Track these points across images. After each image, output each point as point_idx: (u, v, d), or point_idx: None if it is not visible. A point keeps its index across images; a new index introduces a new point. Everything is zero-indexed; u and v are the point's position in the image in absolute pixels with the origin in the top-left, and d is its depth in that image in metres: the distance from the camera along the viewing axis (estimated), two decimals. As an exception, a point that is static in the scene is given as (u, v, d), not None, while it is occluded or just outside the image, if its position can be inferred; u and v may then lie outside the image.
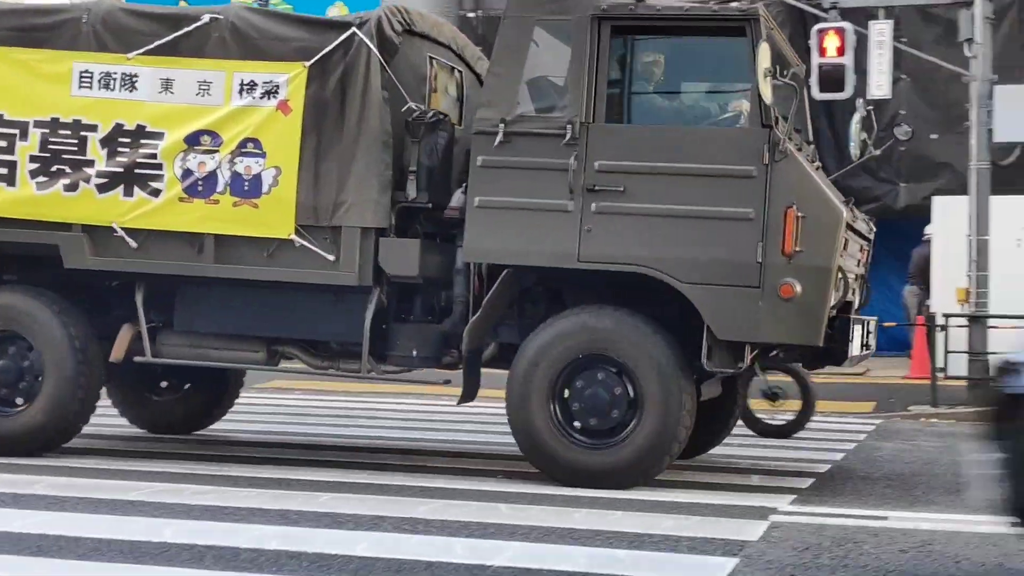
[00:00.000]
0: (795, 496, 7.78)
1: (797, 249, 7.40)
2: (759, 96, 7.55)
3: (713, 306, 7.56)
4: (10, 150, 8.30)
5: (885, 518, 7.13)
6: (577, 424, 7.73)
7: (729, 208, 7.61)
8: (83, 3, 8.57)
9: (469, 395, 8.24)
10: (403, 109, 8.14)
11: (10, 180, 8.29)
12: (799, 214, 7.42)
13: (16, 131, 8.31)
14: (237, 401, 10.46)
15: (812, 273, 7.46)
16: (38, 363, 8.30)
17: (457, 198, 8.11)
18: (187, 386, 9.96)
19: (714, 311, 7.55)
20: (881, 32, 14.61)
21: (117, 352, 8.48)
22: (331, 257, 8.05)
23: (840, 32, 12.70)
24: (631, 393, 7.64)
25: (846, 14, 14.06)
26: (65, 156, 8.29)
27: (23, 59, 8.37)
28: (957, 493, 8.09)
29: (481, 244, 7.85)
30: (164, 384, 9.94)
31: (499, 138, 7.80)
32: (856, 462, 9.84)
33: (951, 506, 7.68)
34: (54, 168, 8.28)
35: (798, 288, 7.40)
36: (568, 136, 7.70)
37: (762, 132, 7.59)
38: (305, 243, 8.05)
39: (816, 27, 13.17)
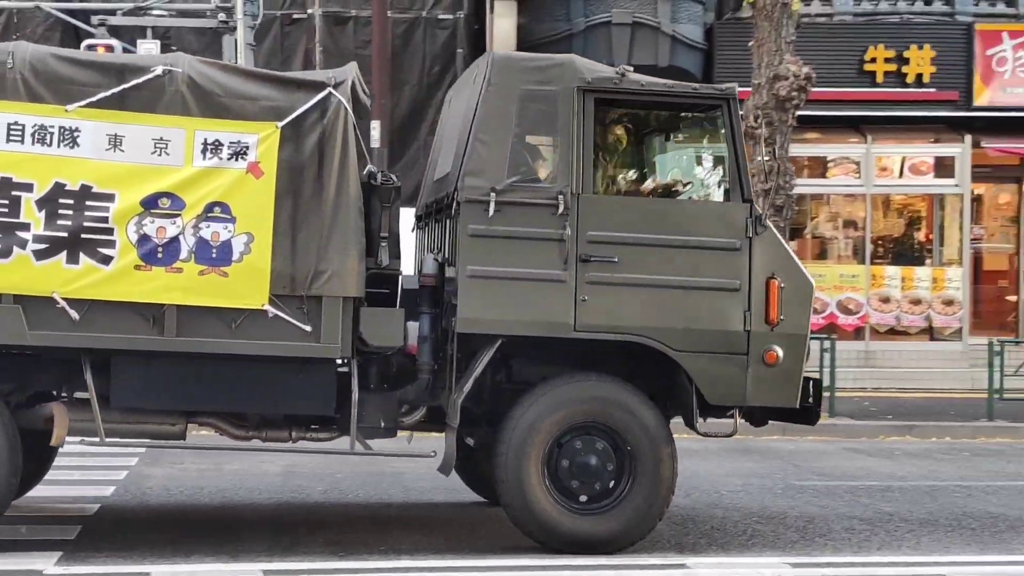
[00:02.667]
0: (62, 553, 7.43)
1: (781, 318, 7.74)
2: (738, 171, 7.89)
3: (705, 373, 7.78)
4: None
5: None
6: (574, 491, 7.71)
7: (717, 279, 7.83)
8: (3, 47, 7.72)
9: (450, 465, 7.87)
10: (363, 173, 7.90)
11: None
12: (781, 284, 7.77)
13: None
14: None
15: (791, 340, 7.83)
16: None
17: (430, 265, 7.94)
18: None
19: (706, 378, 7.78)
20: (150, 50, 15.50)
21: (59, 436, 7.68)
22: (307, 328, 7.53)
23: (109, 49, 13.21)
24: (623, 459, 7.70)
25: (117, 31, 14.82)
26: None
27: None
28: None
29: (475, 314, 7.64)
30: None
31: (492, 210, 7.68)
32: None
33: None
34: None
35: (781, 354, 7.75)
36: (561, 207, 7.68)
37: (743, 206, 7.88)
38: (279, 314, 7.49)
39: (85, 42, 13.76)
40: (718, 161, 8.47)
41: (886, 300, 20.20)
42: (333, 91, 7.60)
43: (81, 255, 7.35)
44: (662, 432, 7.74)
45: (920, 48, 19.81)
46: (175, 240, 7.38)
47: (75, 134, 7.39)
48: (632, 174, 8.81)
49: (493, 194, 7.65)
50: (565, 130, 7.82)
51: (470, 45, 20.12)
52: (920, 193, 21.11)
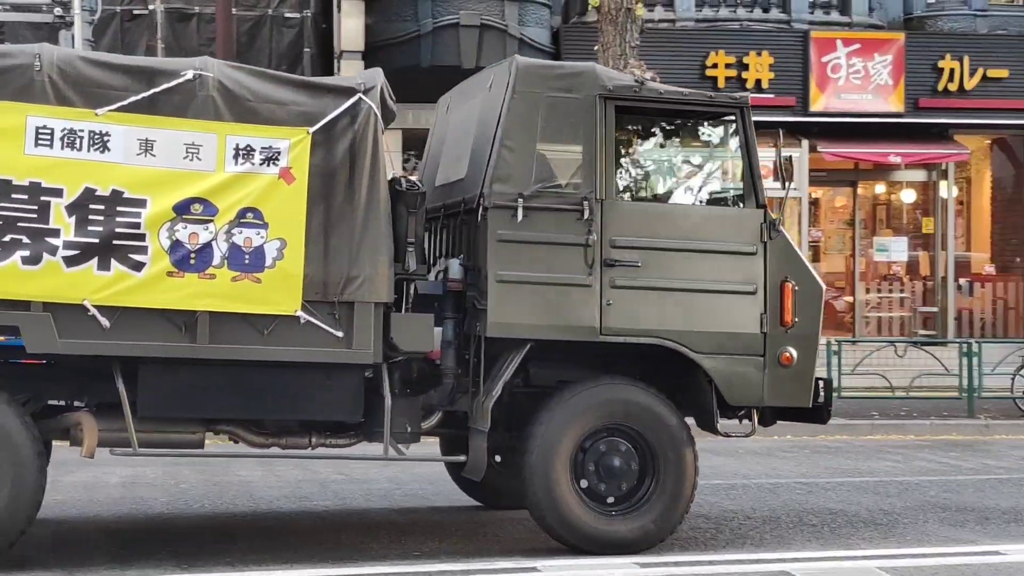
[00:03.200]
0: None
1: (788, 319, 8.00)
2: (752, 177, 8.12)
3: (725, 375, 7.98)
4: None
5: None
6: (602, 493, 7.83)
7: (734, 283, 8.04)
8: (28, 48, 7.40)
9: (480, 469, 7.90)
10: (389, 179, 7.77)
11: None
12: (794, 287, 8.02)
13: None
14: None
15: (804, 342, 8.08)
16: None
17: (456, 270, 7.88)
18: None
19: (725, 380, 7.98)
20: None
21: (90, 447, 7.40)
22: (339, 334, 7.46)
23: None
24: (647, 460, 7.86)
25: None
26: (21, 224, 7.03)
27: None
28: None
29: (505, 319, 7.68)
30: None
31: (519, 215, 7.73)
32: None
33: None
34: (7, 238, 7.00)
35: (795, 355, 8.02)
36: (586, 212, 7.76)
37: (758, 212, 8.09)
38: (312, 320, 7.39)
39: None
40: (732, 167, 8.71)
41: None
42: (363, 97, 7.54)
43: (112, 261, 7.12)
44: (683, 433, 7.92)
45: (759, 54, 20.24)
46: (208, 246, 7.21)
47: (105, 138, 7.15)
48: (651, 180, 9.01)
49: (520, 200, 7.71)
50: (588, 137, 7.92)
51: (317, 44, 19.97)
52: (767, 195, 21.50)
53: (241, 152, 7.31)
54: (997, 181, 22.74)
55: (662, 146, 8.98)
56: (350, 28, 19.35)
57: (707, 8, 20.88)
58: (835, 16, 21.11)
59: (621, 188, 8.32)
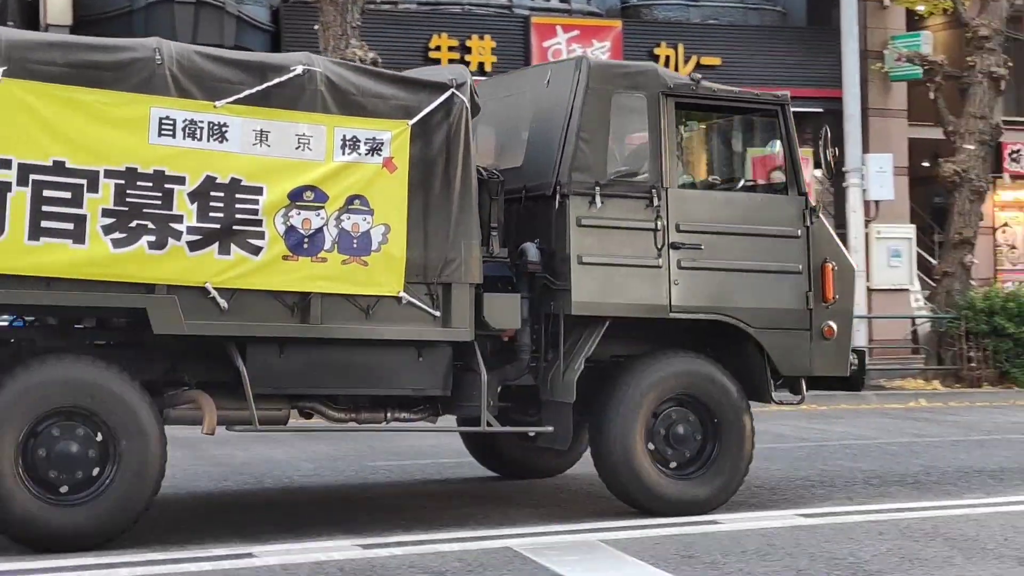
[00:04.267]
0: None
1: (830, 295, 8.79)
2: (794, 167, 8.96)
3: (778, 348, 8.71)
4: (77, 203, 6.97)
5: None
6: (668, 459, 8.39)
7: (783, 263, 8.77)
8: (147, 42, 7.45)
9: (567, 439, 8.34)
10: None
11: (78, 237, 6.97)
12: (834, 267, 8.83)
13: (83, 181, 7.00)
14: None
15: (842, 316, 8.92)
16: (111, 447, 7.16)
17: (534, 253, 8.25)
18: None
19: (779, 352, 8.71)
20: None
21: (211, 423, 7.49)
22: (436, 313, 7.85)
23: None
24: (711, 427, 8.48)
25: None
26: (147, 211, 7.13)
27: (84, 100, 7.07)
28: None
29: (587, 298, 8.19)
30: None
31: (598, 201, 8.22)
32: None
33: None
34: (134, 224, 7.08)
35: (836, 329, 8.82)
36: (655, 200, 8.37)
37: (800, 199, 8.89)
38: (413, 300, 7.75)
39: None
40: (776, 159, 9.44)
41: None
42: (456, 92, 7.94)
43: (232, 246, 7.34)
44: (743, 403, 8.59)
45: (481, 38, 20.39)
46: (319, 231, 7.53)
47: (223, 129, 7.35)
48: (707, 169, 9.91)
49: (597, 188, 8.24)
50: (654, 130, 8.52)
51: (22, 19, 18.97)
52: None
53: (348, 143, 7.66)
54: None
55: (715, 139, 10.01)
56: (56, 3, 18.54)
57: (431, -9, 20.87)
58: (555, 3, 21.44)
59: (682, 177, 9.04)
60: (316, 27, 15.66)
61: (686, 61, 21.32)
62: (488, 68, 20.26)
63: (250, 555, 6.95)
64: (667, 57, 21.28)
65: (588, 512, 8.36)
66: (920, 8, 21.42)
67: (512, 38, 20.60)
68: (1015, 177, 25.24)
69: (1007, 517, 8.27)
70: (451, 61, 20.14)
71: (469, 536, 7.50)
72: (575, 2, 21.44)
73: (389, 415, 8.20)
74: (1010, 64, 20.09)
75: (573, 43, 20.84)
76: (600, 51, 20.89)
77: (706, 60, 21.21)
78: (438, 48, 20.13)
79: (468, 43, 20.31)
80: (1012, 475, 10.42)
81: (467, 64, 20.20)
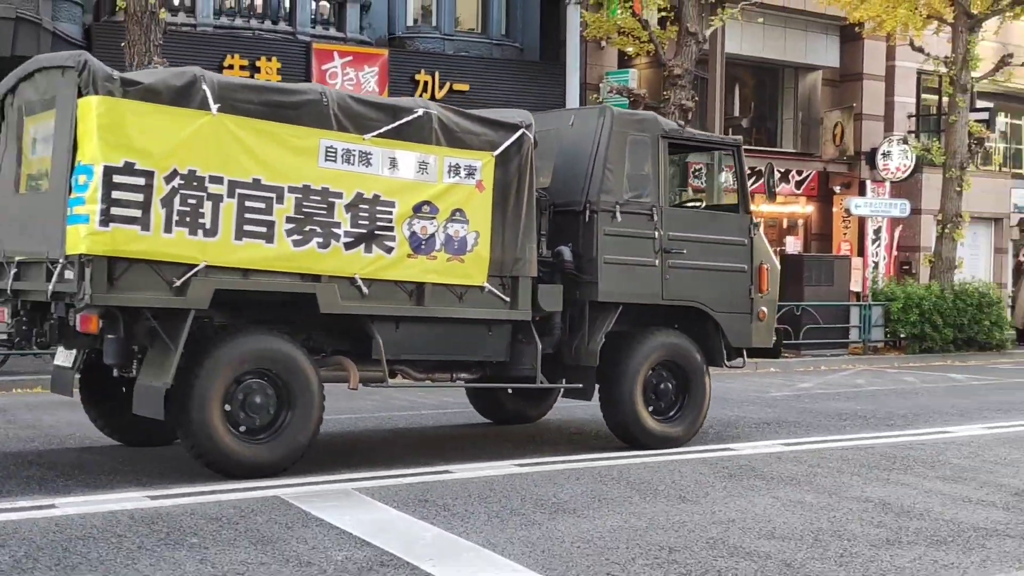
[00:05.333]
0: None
1: (766, 288, 10.08)
2: (743, 191, 10.22)
3: (730, 327, 9.91)
4: (268, 211, 7.67)
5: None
6: (657, 407, 9.55)
7: (736, 264, 9.94)
8: (315, 87, 8.25)
9: (591, 393, 9.46)
10: None
11: (269, 238, 7.66)
12: (767, 268, 10.10)
13: (273, 195, 7.69)
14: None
15: (770, 303, 10.27)
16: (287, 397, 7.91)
17: (568, 254, 9.17)
18: None
19: (731, 330, 9.92)
20: None
21: (355, 381, 8.31)
22: (507, 299, 8.72)
23: None
24: (683, 383, 9.68)
25: None
26: (316, 219, 7.87)
27: (274, 132, 7.73)
28: None
29: (610, 288, 9.22)
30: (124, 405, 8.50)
31: (618, 216, 9.23)
32: None
33: None
34: (308, 228, 7.82)
35: (766, 312, 10.14)
36: (655, 216, 9.43)
37: (747, 216, 10.11)
38: (492, 289, 8.63)
39: None
40: (732, 185, 10.66)
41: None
42: (525, 131, 8.79)
43: (373, 246, 8.09)
44: (704, 366, 9.78)
45: (269, 60, 20.05)
46: (432, 236, 8.34)
47: (369, 156, 8.11)
48: (686, 193, 11.26)
49: (618, 206, 9.24)
50: (654, 163, 9.56)
51: None
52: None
53: (452, 169, 8.47)
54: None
55: (690, 169, 11.36)
56: None
57: (224, 16, 20.39)
58: (333, 31, 21.24)
59: (671, 198, 10.11)
60: (123, 44, 15.13)
61: (441, 86, 21.50)
62: (274, 85, 19.96)
63: (52, 506, 6.81)
64: (426, 82, 21.41)
65: (344, 466, 8.40)
66: (629, 49, 22.13)
67: (296, 61, 20.34)
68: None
69: (674, 465, 8.74)
70: (242, 78, 19.80)
71: (244, 487, 7.45)
72: (350, 31, 21.30)
73: (453, 376, 9.01)
74: (696, 99, 20.97)
75: (347, 67, 20.74)
76: (370, 75, 20.85)
77: (458, 86, 21.45)
78: (231, 67, 19.69)
79: (257, 63, 19.94)
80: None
81: (256, 81, 19.94)
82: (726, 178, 11.12)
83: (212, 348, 7.59)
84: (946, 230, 22.43)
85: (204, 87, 7.44)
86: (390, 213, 8.17)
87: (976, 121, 24.90)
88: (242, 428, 7.69)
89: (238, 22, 20.47)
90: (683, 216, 9.93)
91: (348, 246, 7.97)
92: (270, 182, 7.66)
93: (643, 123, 9.66)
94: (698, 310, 9.77)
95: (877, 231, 23.97)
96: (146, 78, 7.40)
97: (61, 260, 7.25)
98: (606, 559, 5.81)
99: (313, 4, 21.09)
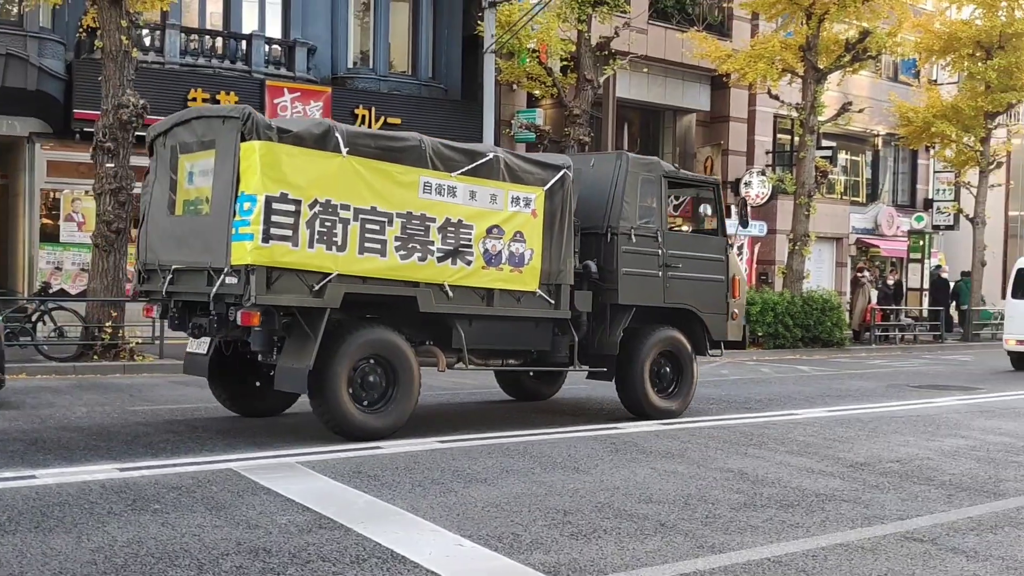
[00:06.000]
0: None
1: (737, 295, 10.97)
2: (721, 220, 11.14)
3: (712, 324, 10.77)
4: (382, 232, 8.29)
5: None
6: (659, 387, 10.41)
7: (716, 276, 10.77)
8: (415, 136, 8.73)
9: (612, 375, 10.24)
10: None
11: (382, 252, 8.30)
12: (738, 278, 10.98)
13: (385, 219, 8.31)
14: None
15: (740, 306, 11.14)
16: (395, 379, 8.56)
17: (594, 267, 9.88)
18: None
19: (713, 327, 10.78)
20: None
21: (442, 365, 9.06)
22: (552, 302, 9.43)
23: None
24: (678, 367, 10.55)
25: None
26: (416, 238, 8.48)
27: (386, 170, 8.35)
28: None
29: (627, 294, 10.00)
30: (258, 383, 9.53)
31: (632, 238, 10.05)
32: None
33: None
34: (410, 246, 8.45)
35: (738, 314, 11.04)
36: (659, 238, 10.27)
37: (723, 238, 11.03)
38: (542, 294, 9.36)
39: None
40: (712, 214, 11.57)
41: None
42: (567, 171, 9.51)
43: (458, 260, 8.76)
44: (693, 354, 10.66)
45: (228, 94, 19.73)
46: (499, 252, 9.04)
47: (454, 190, 8.75)
48: (679, 220, 11.49)
49: (632, 230, 10.07)
50: (657, 197, 10.39)
51: None
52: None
53: (515, 200, 9.18)
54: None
55: (682, 201, 11.85)
56: None
57: (189, 56, 20.03)
58: (283, 71, 21.00)
59: (668, 224, 10.75)
60: (100, 79, 14.77)
61: (377, 119, 21.38)
62: (232, 116, 19.66)
63: (33, 476, 6.64)
64: (364, 115, 21.28)
65: (289, 442, 8.31)
66: (536, 92, 22.23)
67: (251, 95, 20.04)
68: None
69: (570, 441, 8.79)
70: (205, 109, 19.45)
71: (201, 460, 7.36)
72: (298, 71, 21.07)
73: (504, 361, 9.71)
74: (592, 135, 21.16)
75: (296, 102, 20.51)
76: (315, 109, 20.64)
77: (391, 119, 21.34)
78: (195, 99, 19.34)
79: (218, 97, 19.61)
80: (581, 409, 11.02)
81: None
82: (704, 208, 12.59)
83: (341, 338, 8.21)
84: (796, 247, 22.91)
85: (337, 135, 8.12)
86: (470, 234, 8.83)
87: (821, 157, 25.47)
88: (364, 402, 8.38)
89: (201, 61, 20.11)
90: (678, 238, 10.88)
91: (439, 260, 8.62)
92: (383, 209, 8.28)
93: (650, 165, 10.48)
94: (689, 311, 10.57)
95: (740, 247, 24.41)
96: (294, 127, 8.00)
97: (226, 269, 7.83)
98: (511, 520, 5.83)
99: (266, 47, 20.82)
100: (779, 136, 29.54)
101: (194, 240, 8.31)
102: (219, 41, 20.47)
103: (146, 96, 15.32)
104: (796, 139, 25.57)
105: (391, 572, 4.76)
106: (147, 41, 19.33)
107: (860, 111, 25.33)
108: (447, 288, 8.69)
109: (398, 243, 8.35)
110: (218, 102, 19.50)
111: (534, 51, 20.65)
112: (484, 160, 8.94)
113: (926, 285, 29.54)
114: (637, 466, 7.68)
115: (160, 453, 7.65)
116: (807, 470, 7.76)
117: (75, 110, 18.48)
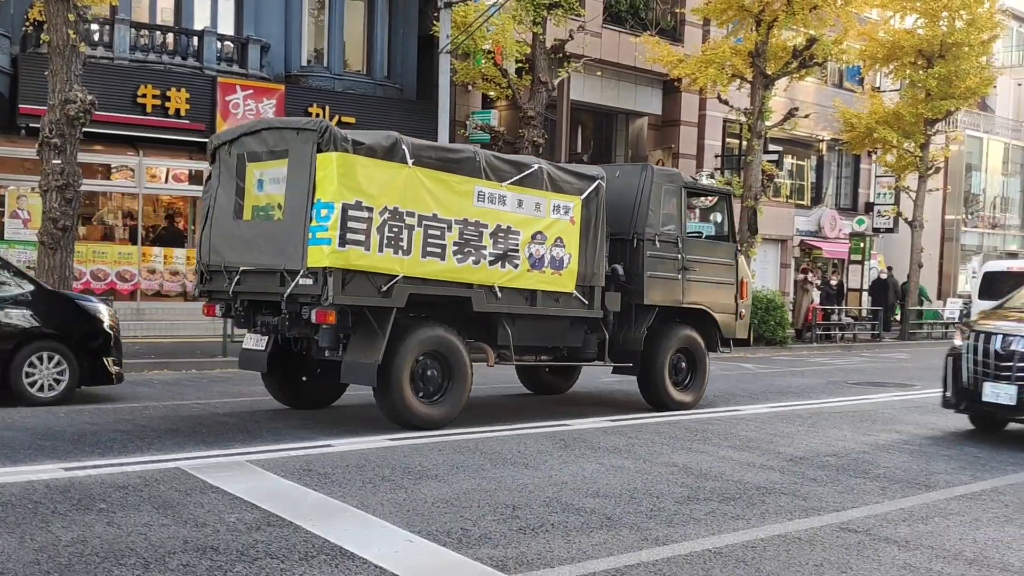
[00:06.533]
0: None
1: (745, 296, 11.64)
2: (732, 226, 11.86)
3: (723, 323, 11.43)
4: (442, 238, 8.80)
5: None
6: (677, 379, 11.08)
7: (727, 279, 11.47)
8: (470, 148, 9.30)
9: (638, 369, 10.84)
10: None
11: (441, 256, 8.79)
12: (746, 281, 11.66)
13: (445, 226, 8.82)
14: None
15: (747, 307, 11.80)
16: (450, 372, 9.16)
17: (621, 271, 10.53)
18: (324, 376, 10.05)
19: (724, 325, 11.45)
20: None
21: (491, 360, 9.59)
22: (587, 302, 9.99)
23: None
24: (692, 363, 11.23)
25: None
26: (471, 243, 9.02)
27: (445, 180, 8.85)
28: None
29: (652, 295, 10.63)
30: (304, 378, 10.09)
31: (657, 244, 10.74)
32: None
33: None
34: (466, 250, 8.98)
35: (744, 314, 11.68)
36: (679, 243, 10.92)
37: (734, 244, 11.72)
38: (578, 295, 9.93)
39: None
40: (725, 221, 11.99)
41: (153, 272, 19.69)
42: (600, 181, 10.12)
43: (507, 264, 9.33)
44: (706, 351, 11.30)
45: (179, 90, 19.52)
46: (542, 256, 9.61)
47: (503, 198, 9.31)
48: (695, 227, 12.24)
49: (656, 236, 10.75)
50: (677, 206, 11.03)
51: None
52: (179, 195, 20.84)
53: (556, 208, 9.74)
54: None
55: (699, 209, 12.57)
56: None
57: (139, 52, 19.74)
58: (236, 68, 20.79)
59: (687, 230, 11.35)
60: (46, 73, 14.49)
61: (331, 118, 21.20)
62: (183, 114, 19.45)
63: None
64: (318, 114, 21.12)
65: (239, 441, 8.24)
66: (491, 93, 22.27)
67: (203, 92, 19.83)
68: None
69: (520, 438, 8.82)
70: (155, 107, 19.25)
71: (149, 459, 7.26)
72: (251, 68, 20.88)
73: (538, 357, 10.22)
74: (546, 136, 21.25)
75: (248, 99, 20.32)
76: (268, 107, 20.47)
77: (345, 118, 21.21)
78: (144, 95, 19.10)
79: (168, 93, 19.39)
80: (525, 410, 11.05)
81: (167, 110, 19.41)
82: (715, 216, 13.33)
83: (403, 336, 8.79)
84: (743, 248, 23.19)
85: (404, 147, 8.64)
86: (517, 240, 9.39)
87: (768, 161, 25.83)
88: (420, 394, 8.98)
89: (151, 56, 19.84)
90: (694, 243, 11.34)
91: (491, 263, 9.19)
92: (443, 216, 8.81)
93: (672, 176, 11.22)
94: (703, 311, 11.21)
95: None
96: (366, 139, 8.49)
97: (301, 271, 8.27)
98: (461, 516, 5.84)
99: (219, 43, 20.60)
100: (728, 140, 29.90)
101: (264, 244, 8.76)
102: (170, 37, 20.20)
103: (94, 92, 15.08)
104: (744, 143, 25.91)
105: (340, 568, 4.75)
106: (96, 36, 19.01)
107: (806, 116, 25.74)
108: (497, 289, 9.28)
109: (455, 248, 8.91)
110: (169, 99, 19.29)
111: (489, 52, 20.67)
112: (530, 171, 9.55)
113: (866, 286, 30.09)
114: (585, 461, 7.73)
115: (107, 452, 7.53)
116: (748, 464, 7.88)
117: (20, 105, 18.13)
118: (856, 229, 31.99)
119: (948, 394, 9.68)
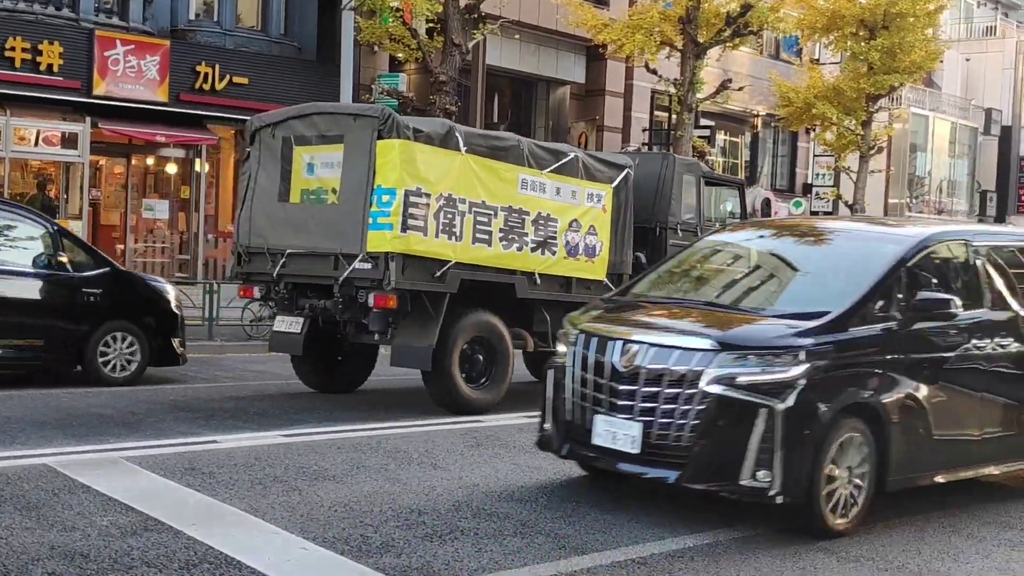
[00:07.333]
0: None
1: None
2: (743, 212, 13.16)
3: None
4: (489, 224, 9.62)
5: None
6: None
7: None
8: (514, 136, 10.33)
9: None
10: None
11: (488, 243, 9.65)
12: None
13: (492, 212, 9.64)
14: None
15: None
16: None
17: (643, 258, 11.34)
18: (352, 360, 10.91)
19: None
20: None
21: (530, 346, 10.50)
22: (614, 288, 10.05)
23: None
24: None
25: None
26: (515, 230, 9.84)
27: (493, 166, 9.74)
28: None
29: None
30: (331, 362, 10.78)
31: (679, 232, 11.78)
32: None
33: None
34: (510, 236, 9.82)
35: None
36: (698, 231, 11.58)
37: None
38: (608, 282, 10.61)
39: None
40: (736, 208, 13.57)
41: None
42: (629, 170, 10.96)
43: (545, 251, 10.14)
44: None
45: (51, 43, 18.93)
46: (577, 244, 10.42)
47: (543, 185, 10.15)
48: (713, 213, 13.28)
49: (678, 224, 11.82)
50: (697, 195, 12.07)
51: None
52: (51, 160, 20.23)
53: (590, 196, 10.58)
54: (239, 161, 23.11)
55: (717, 197, 13.73)
56: None
57: (8, 1, 19.04)
58: (116, 20, 20.20)
59: (706, 218, 12.47)
60: None
61: (221, 79, 20.82)
62: (56, 69, 18.85)
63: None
64: (206, 74, 20.69)
65: (113, 435, 8.06)
66: (399, 55, 22.05)
67: (78, 46, 19.22)
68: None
69: (428, 435, 8.81)
70: (24, 61, 18.61)
71: (12, 455, 7.08)
72: (133, 21, 20.30)
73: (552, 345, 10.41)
74: (459, 104, 21.18)
75: (130, 55, 19.77)
76: (152, 64, 19.95)
77: (237, 79, 20.84)
78: (12, 49, 18.43)
79: (40, 47, 18.75)
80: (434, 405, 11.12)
81: (38, 64, 18.78)
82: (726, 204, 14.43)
83: (454, 321, 9.54)
84: (672, 230, 23.52)
85: (458, 135, 9.53)
86: (555, 227, 10.23)
87: (699, 137, 26.20)
88: (465, 378, 9.74)
89: (21, 5, 19.13)
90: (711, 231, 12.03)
91: (532, 250, 10.01)
92: (491, 203, 9.66)
93: (691, 166, 12.42)
94: None
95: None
96: (425, 126, 9.36)
97: (360, 255, 9.08)
98: (361, 521, 5.82)
99: (97, -8, 20.00)
100: (656, 113, 30.23)
101: (316, 227, 9.49)
102: (41, -17, 19.52)
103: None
104: (674, 117, 26.23)
105: (225, 579, 4.69)
106: (-46, -21, 18.29)
107: (740, 89, 26.12)
108: (536, 276, 10.10)
109: (501, 234, 9.75)
110: (40, 53, 18.69)
111: (397, 10, 20.47)
112: (568, 159, 10.40)
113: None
114: (499, 462, 7.76)
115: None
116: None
117: None
118: (793, 212, 32.72)
119: (547, 427, 6.74)
